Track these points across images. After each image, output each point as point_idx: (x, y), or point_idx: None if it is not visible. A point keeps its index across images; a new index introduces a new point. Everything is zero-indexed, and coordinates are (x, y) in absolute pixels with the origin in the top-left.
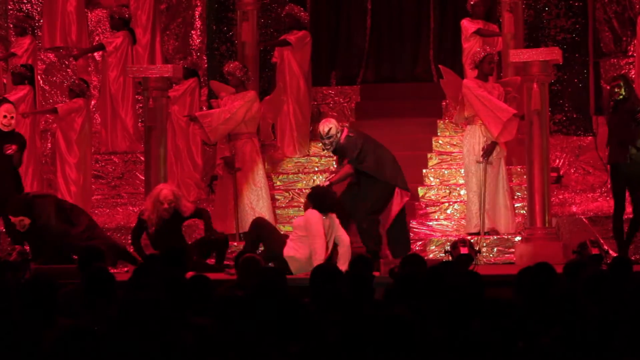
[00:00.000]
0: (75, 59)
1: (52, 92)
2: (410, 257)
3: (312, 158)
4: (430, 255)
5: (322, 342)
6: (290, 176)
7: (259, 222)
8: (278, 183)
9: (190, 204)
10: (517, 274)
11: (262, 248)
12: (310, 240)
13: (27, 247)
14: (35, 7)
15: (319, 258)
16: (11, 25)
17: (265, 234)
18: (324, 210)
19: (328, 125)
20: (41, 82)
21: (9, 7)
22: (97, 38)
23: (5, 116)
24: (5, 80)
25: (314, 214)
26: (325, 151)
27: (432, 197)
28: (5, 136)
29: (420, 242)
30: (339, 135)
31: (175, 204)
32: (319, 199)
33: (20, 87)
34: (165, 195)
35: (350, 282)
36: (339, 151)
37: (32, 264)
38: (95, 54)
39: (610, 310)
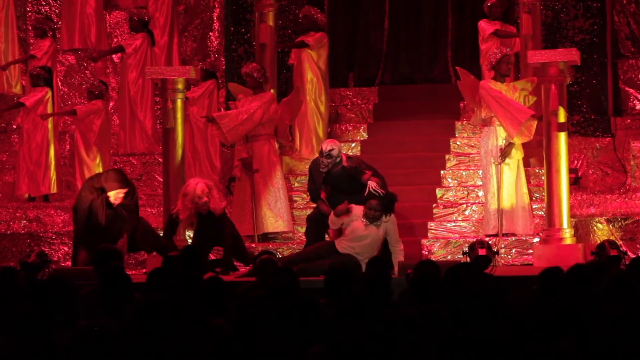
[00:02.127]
0: (94, 61)
1: (71, 94)
2: (425, 261)
3: None
4: (448, 257)
5: (338, 343)
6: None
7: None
8: (296, 184)
9: (220, 201)
10: (544, 274)
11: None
12: (397, 243)
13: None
14: (53, 9)
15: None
16: (30, 27)
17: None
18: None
19: (331, 146)
20: (59, 83)
21: (27, 9)
22: (115, 40)
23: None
24: (24, 82)
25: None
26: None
27: (450, 198)
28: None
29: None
30: (338, 160)
31: (209, 195)
32: (391, 206)
33: (38, 89)
34: (202, 189)
35: (367, 284)
36: (346, 173)
37: (52, 265)
38: (114, 55)
39: (629, 311)
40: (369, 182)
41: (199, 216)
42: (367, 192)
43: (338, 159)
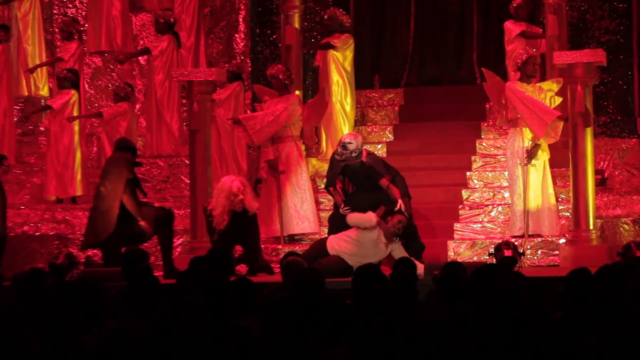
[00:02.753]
0: (121, 63)
1: (98, 96)
2: (451, 262)
3: None
4: (475, 258)
5: (364, 344)
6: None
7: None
8: (322, 186)
9: (254, 201)
10: (572, 275)
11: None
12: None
13: None
14: (80, 11)
15: None
16: (57, 30)
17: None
18: None
19: (350, 139)
20: (86, 86)
21: (54, 11)
22: (141, 42)
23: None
24: (51, 85)
25: None
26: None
27: (476, 199)
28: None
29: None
30: (354, 155)
31: (244, 192)
32: (407, 234)
33: (65, 92)
34: (238, 187)
35: (394, 284)
36: (364, 170)
37: (81, 266)
38: (140, 57)
39: None
40: (400, 201)
41: (233, 214)
42: (397, 207)
43: (354, 154)
